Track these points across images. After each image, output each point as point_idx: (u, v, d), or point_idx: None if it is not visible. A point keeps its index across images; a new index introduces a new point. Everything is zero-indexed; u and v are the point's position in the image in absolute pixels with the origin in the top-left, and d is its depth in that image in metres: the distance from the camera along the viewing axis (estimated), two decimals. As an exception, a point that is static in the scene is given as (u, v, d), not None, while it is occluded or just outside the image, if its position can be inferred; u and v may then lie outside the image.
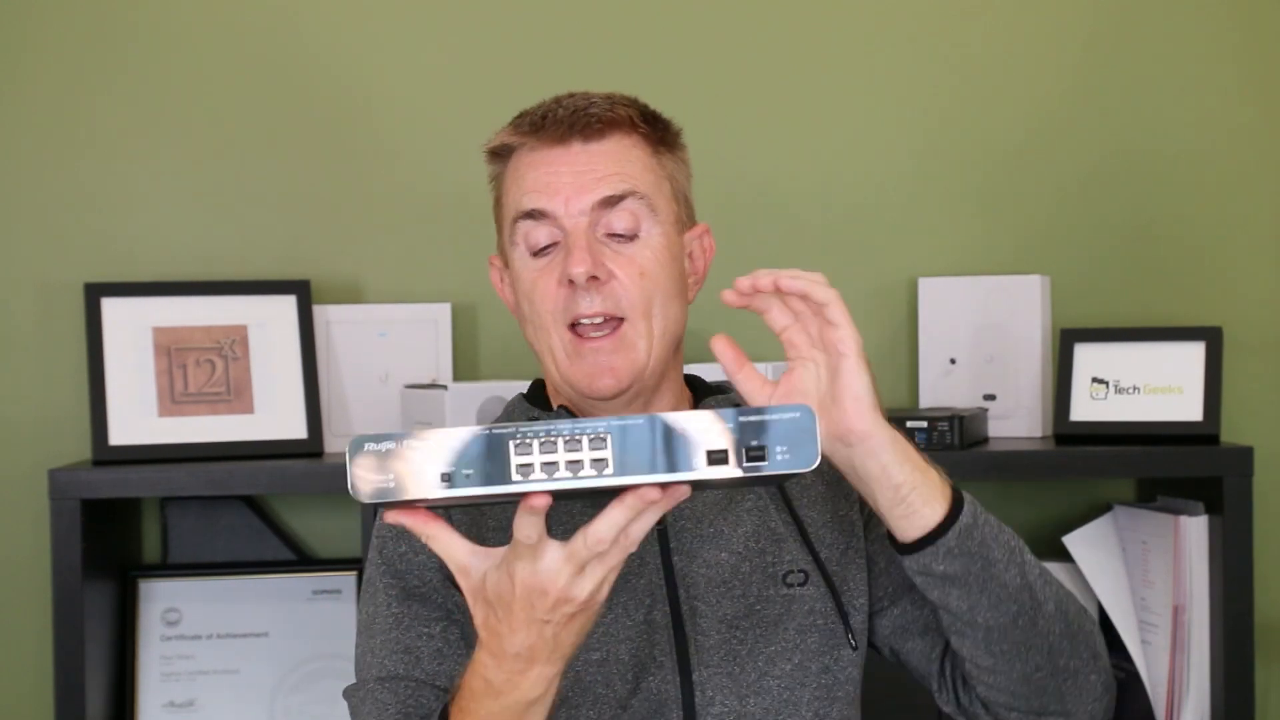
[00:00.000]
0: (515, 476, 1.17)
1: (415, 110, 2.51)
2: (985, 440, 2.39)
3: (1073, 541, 2.34)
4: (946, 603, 1.46)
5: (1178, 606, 2.25)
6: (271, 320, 2.40)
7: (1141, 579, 2.32)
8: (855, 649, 1.55)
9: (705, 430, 1.19)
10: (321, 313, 2.42)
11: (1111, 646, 2.36)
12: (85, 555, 2.18)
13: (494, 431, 1.17)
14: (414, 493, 1.17)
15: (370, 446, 1.17)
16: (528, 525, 1.21)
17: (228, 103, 2.49)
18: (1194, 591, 2.25)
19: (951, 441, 2.24)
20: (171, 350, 2.36)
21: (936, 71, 2.54)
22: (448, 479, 1.17)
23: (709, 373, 1.71)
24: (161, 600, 2.39)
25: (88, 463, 2.30)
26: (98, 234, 2.47)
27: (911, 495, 1.41)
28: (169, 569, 2.43)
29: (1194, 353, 2.33)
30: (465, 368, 2.51)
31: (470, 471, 1.17)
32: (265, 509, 2.49)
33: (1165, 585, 2.27)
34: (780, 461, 1.19)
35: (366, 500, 1.18)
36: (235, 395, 2.37)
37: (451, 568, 1.27)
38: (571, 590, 1.23)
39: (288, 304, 2.40)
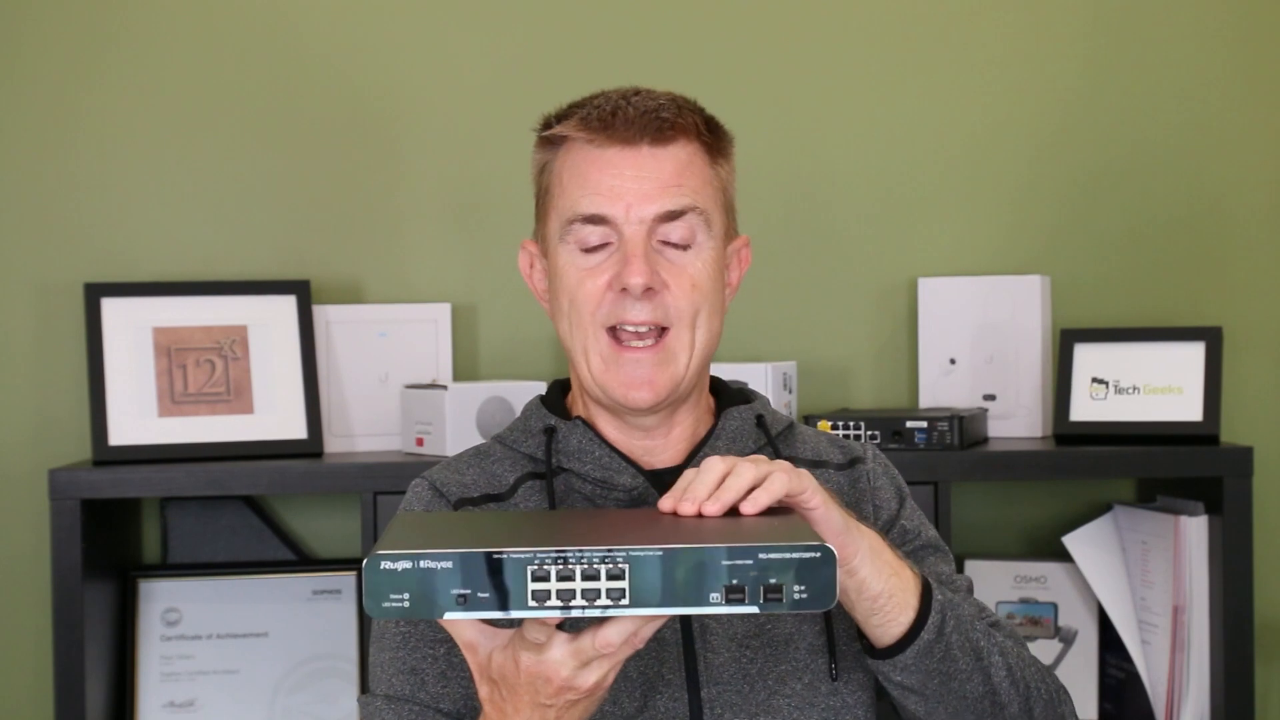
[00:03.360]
0: (530, 602, 1.17)
1: (415, 111, 2.51)
2: (985, 440, 2.39)
3: (1073, 541, 2.34)
4: (904, 703, 1.46)
5: (1178, 606, 2.25)
6: (271, 320, 2.40)
7: (1141, 579, 2.32)
8: (835, 679, 1.52)
9: (724, 567, 1.18)
10: (321, 313, 2.42)
11: (1111, 646, 2.36)
12: (85, 555, 2.18)
13: (511, 556, 1.17)
14: (428, 614, 1.18)
15: (386, 565, 1.16)
16: (537, 631, 1.22)
17: (228, 103, 2.49)
18: (1194, 591, 2.25)
19: (951, 441, 2.24)
20: (171, 350, 2.36)
21: (936, 74, 2.54)
22: (462, 601, 1.17)
23: (725, 372, 1.72)
24: (161, 600, 2.39)
25: (88, 463, 2.30)
26: (98, 234, 2.47)
27: (889, 604, 1.39)
28: (169, 569, 2.43)
29: (1194, 353, 2.33)
30: (465, 368, 2.51)
31: (485, 595, 1.17)
32: (265, 509, 2.49)
33: (1165, 585, 2.27)
34: (796, 600, 1.18)
35: (382, 617, 1.18)
36: (235, 395, 2.37)
37: (459, 644, 1.28)
38: (575, 681, 1.24)
39: (288, 304, 2.40)
